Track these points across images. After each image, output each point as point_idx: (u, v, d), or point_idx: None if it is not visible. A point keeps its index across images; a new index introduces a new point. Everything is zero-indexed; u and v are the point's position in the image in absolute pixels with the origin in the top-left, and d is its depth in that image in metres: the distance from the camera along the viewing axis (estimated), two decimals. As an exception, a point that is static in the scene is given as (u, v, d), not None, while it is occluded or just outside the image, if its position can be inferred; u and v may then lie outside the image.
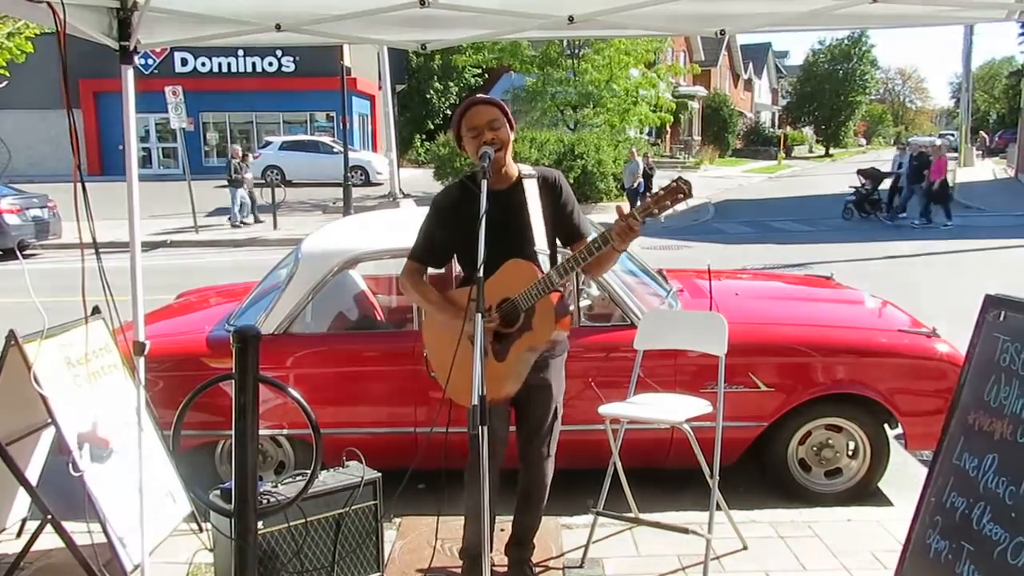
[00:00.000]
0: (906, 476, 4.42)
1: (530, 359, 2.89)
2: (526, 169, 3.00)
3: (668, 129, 34.94)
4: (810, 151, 58.17)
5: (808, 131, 61.53)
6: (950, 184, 17.89)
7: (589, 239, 2.86)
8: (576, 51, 24.95)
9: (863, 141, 73.14)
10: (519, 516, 3.20)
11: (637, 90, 25.20)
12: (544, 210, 2.93)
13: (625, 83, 24.91)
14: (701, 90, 44.69)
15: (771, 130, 59.10)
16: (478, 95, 3.00)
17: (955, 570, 2.54)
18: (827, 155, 55.83)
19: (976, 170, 33.94)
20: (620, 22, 3.24)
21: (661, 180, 18.30)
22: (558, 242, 3.05)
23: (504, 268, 2.82)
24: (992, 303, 2.70)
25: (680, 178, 2.58)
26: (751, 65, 60.18)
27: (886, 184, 18.83)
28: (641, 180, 19.15)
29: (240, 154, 18.68)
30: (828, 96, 56.02)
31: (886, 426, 4.17)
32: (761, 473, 4.28)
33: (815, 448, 4.20)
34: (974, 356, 2.70)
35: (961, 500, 2.59)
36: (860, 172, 18.68)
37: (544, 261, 2.88)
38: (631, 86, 25.10)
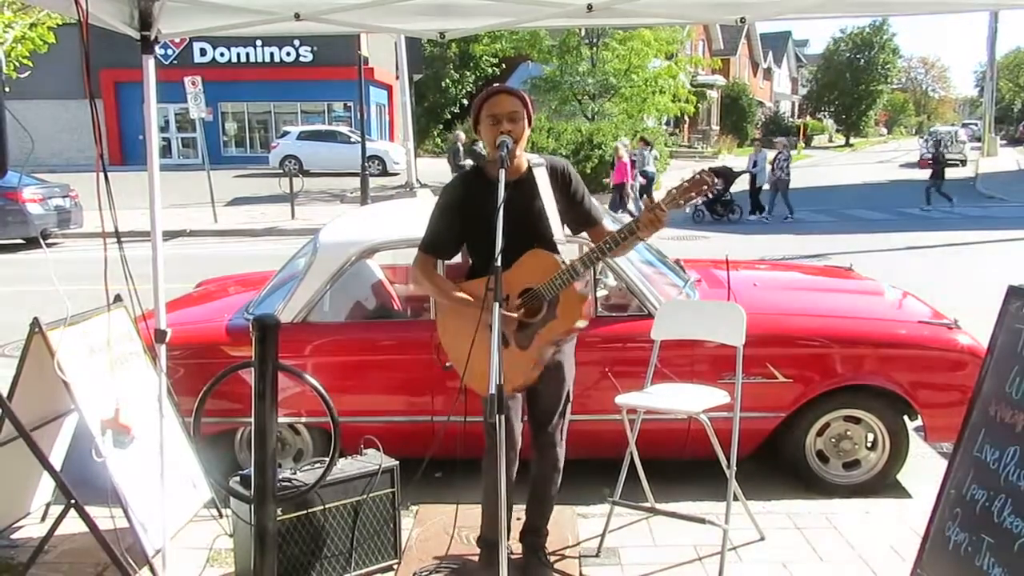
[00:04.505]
0: (925, 468, 4.39)
1: (553, 348, 2.91)
2: (534, 159, 3.00)
3: (687, 119, 34.72)
4: (830, 140, 57.65)
5: (828, 120, 60.94)
6: (629, 191, 16.99)
7: (609, 226, 2.87)
8: (595, 40, 24.81)
9: (884, 130, 72.35)
10: (532, 503, 3.22)
11: (656, 80, 25.03)
12: (555, 198, 2.94)
13: (644, 73, 24.74)
14: (720, 79, 44.33)
15: (790, 120, 58.58)
16: (503, 84, 3.00)
17: (975, 562, 2.52)
18: (847, 145, 55.31)
19: (999, 160, 33.52)
20: (639, 10, 3.22)
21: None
22: (569, 230, 3.05)
23: (524, 258, 2.82)
24: (1015, 294, 2.68)
25: (704, 170, 2.62)
26: (770, 54, 59.61)
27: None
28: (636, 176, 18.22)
29: (464, 141, 18.84)
30: (849, 85, 55.51)
31: (905, 418, 4.14)
32: (778, 464, 4.26)
33: (833, 439, 4.18)
34: (996, 347, 2.68)
35: (982, 492, 2.57)
36: (712, 170, 17.91)
37: (561, 251, 2.88)
38: (650, 76, 24.93)
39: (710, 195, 15.87)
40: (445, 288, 3.03)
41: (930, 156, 19.51)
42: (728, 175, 17.51)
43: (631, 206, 16.87)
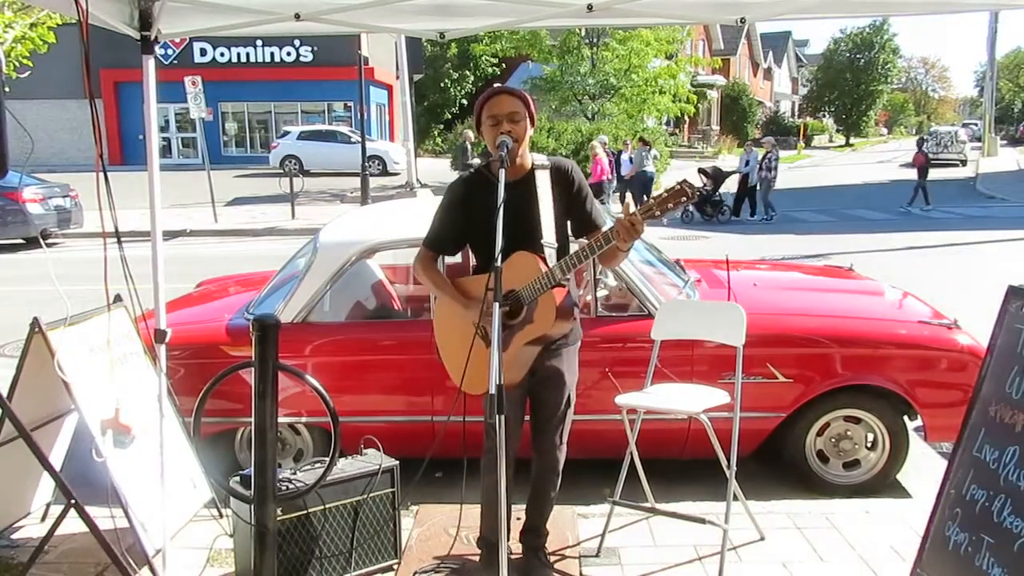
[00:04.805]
0: (925, 468, 4.40)
1: (532, 351, 2.92)
2: (539, 159, 3.01)
3: (687, 119, 34.78)
4: (830, 140, 57.67)
5: (829, 120, 60.94)
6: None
7: (601, 232, 2.86)
8: (595, 40, 24.80)
9: (884, 131, 72.37)
10: (532, 504, 3.23)
11: (656, 80, 25.03)
12: (556, 201, 2.94)
13: (645, 73, 24.73)
14: (720, 79, 44.32)
15: (791, 120, 58.58)
16: (504, 84, 3.01)
17: (975, 563, 2.53)
18: (848, 145, 55.33)
19: (1000, 160, 33.55)
20: (639, 10, 3.22)
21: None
22: (571, 233, 3.05)
23: (510, 260, 2.82)
24: (1015, 294, 2.68)
25: (685, 181, 2.59)
26: (771, 54, 59.60)
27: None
28: (611, 176, 17.96)
29: (472, 139, 18.80)
30: (849, 85, 55.51)
31: (905, 418, 4.14)
32: (779, 464, 4.26)
33: (833, 439, 4.18)
34: (996, 347, 2.68)
35: (981, 492, 2.57)
36: (701, 171, 17.45)
37: (551, 254, 2.88)
38: (651, 76, 24.92)
39: (690, 206, 15.88)
40: (441, 283, 3.06)
41: (924, 154, 19.41)
42: (718, 176, 17.45)
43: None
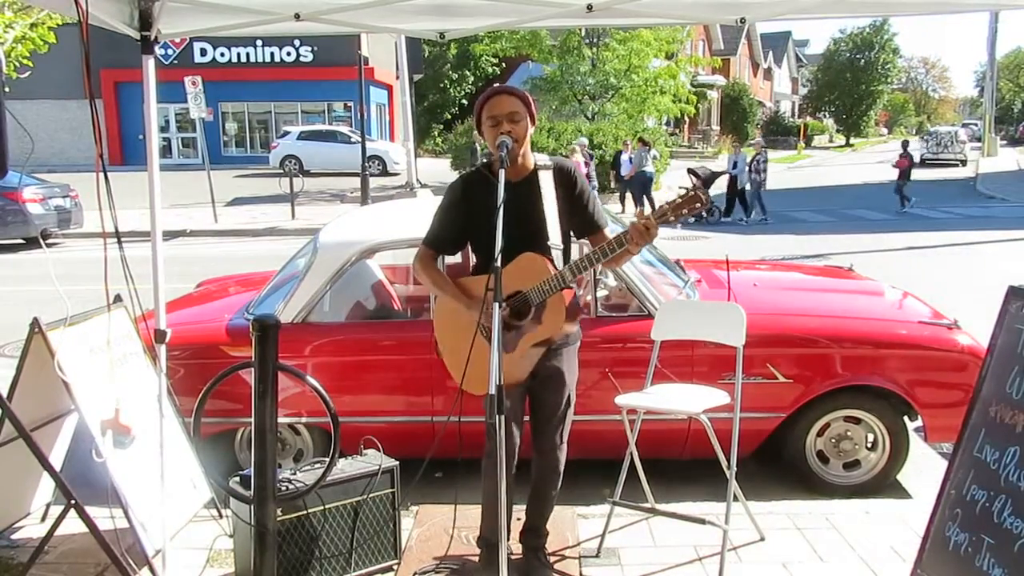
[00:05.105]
0: (925, 468, 4.40)
1: (537, 352, 2.92)
2: (542, 159, 3.00)
3: (687, 119, 34.78)
4: (830, 140, 57.69)
5: (829, 121, 60.97)
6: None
7: (610, 235, 2.86)
8: (595, 40, 24.80)
9: (884, 131, 72.38)
10: (532, 504, 3.22)
11: (656, 80, 25.03)
12: (559, 202, 2.93)
13: (645, 73, 24.73)
14: (720, 79, 44.33)
15: (791, 120, 58.59)
16: (504, 84, 3.01)
17: (975, 563, 2.53)
18: (848, 145, 55.35)
19: (999, 160, 33.56)
20: (639, 10, 3.22)
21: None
22: (572, 234, 3.05)
23: (518, 261, 2.83)
24: (1015, 294, 2.68)
25: (697, 186, 2.61)
26: (771, 54, 59.60)
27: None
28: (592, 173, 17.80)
29: (483, 140, 18.75)
30: (849, 85, 55.55)
31: (905, 418, 4.14)
32: (779, 464, 4.26)
33: (833, 440, 4.18)
34: (996, 348, 2.68)
35: (982, 493, 2.57)
36: (690, 172, 17.35)
37: (556, 256, 2.89)
38: (651, 76, 24.92)
39: (703, 213, 15.86)
40: (441, 282, 3.05)
41: (907, 157, 19.45)
42: (708, 177, 17.41)
43: None
